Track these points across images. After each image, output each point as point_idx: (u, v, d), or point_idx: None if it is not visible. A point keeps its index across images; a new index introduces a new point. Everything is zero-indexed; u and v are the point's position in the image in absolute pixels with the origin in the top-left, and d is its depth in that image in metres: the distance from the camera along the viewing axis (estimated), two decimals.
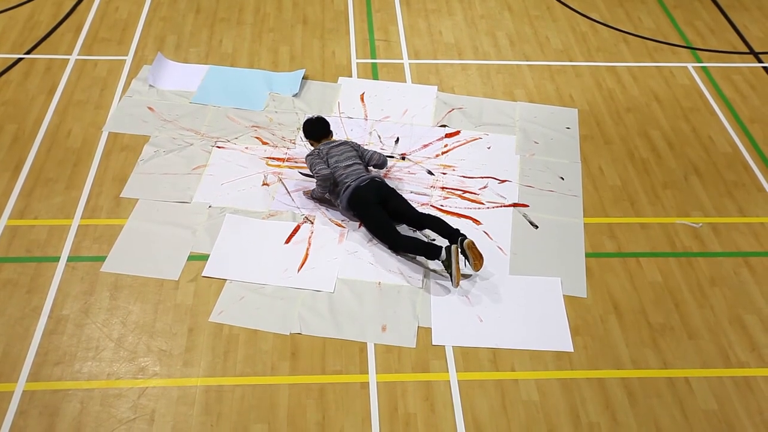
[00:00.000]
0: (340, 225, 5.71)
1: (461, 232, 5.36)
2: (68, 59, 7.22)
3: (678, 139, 6.68)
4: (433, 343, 4.95)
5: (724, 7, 8.41)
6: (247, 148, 6.34)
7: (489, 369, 4.83)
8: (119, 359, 4.81)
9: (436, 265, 5.38)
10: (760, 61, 7.63)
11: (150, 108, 6.69)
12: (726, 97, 7.16)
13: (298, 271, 5.36)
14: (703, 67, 7.52)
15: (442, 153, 6.40)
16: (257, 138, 6.44)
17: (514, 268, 5.45)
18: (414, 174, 6.18)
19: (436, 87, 7.09)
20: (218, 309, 5.10)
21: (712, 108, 7.03)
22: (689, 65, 7.54)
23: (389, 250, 5.47)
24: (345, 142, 5.87)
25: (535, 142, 6.54)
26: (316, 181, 5.68)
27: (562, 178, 6.21)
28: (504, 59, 7.51)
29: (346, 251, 5.51)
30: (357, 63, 7.36)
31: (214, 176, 6.06)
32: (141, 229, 5.59)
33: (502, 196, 6.03)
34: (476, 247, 5.22)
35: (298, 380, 4.73)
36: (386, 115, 6.75)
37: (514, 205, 5.96)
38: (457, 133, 6.61)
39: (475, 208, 5.90)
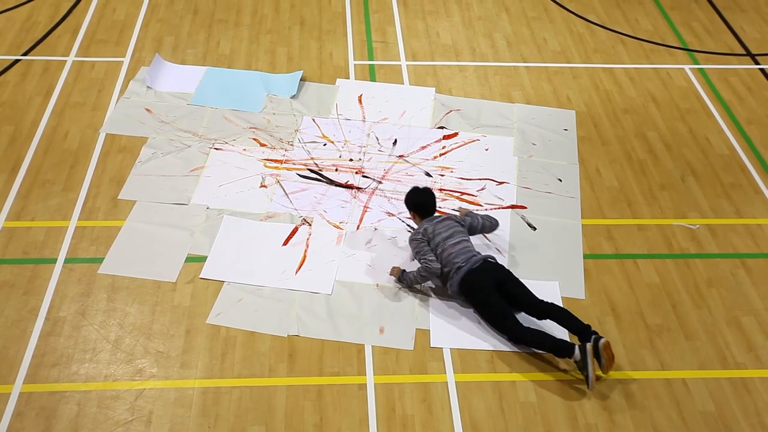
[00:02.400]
0: (338, 227, 5.71)
1: (593, 328, 4.86)
2: (65, 61, 7.21)
3: (675, 141, 6.69)
4: (431, 346, 4.95)
5: (721, 9, 8.42)
6: (245, 149, 6.33)
7: (487, 370, 4.84)
8: (116, 361, 4.80)
9: (565, 363, 4.86)
10: (757, 63, 7.65)
11: (148, 109, 6.68)
12: (723, 99, 7.17)
13: (296, 273, 5.36)
14: (700, 69, 7.53)
15: (440, 155, 6.40)
16: (255, 140, 6.44)
17: (512, 269, 5.43)
18: (412, 176, 6.18)
19: (433, 89, 7.09)
20: (216, 311, 5.10)
21: (709, 110, 7.04)
22: (686, 67, 7.55)
23: (508, 341, 4.95)
24: (449, 217, 5.29)
25: (533, 144, 6.54)
26: (419, 269, 5.13)
27: (560, 180, 6.21)
28: (501, 61, 7.52)
29: (344, 253, 5.51)
30: (354, 64, 7.36)
31: (212, 178, 6.05)
32: (138, 231, 5.59)
33: (500, 198, 6.03)
34: (611, 348, 4.72)
35: (295, 382, 4.72)
36: (384, 117, 6.75)
37: (512, 206, 5.97)
38: (455, 134, 6.61)
39: (473, 210, 5.89)
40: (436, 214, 5.40)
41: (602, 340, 4.68)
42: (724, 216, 5.99)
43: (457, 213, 5.54)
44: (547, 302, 4.96)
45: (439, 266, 5.06)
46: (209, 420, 4.52)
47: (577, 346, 4.70)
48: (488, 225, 5.39)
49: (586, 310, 5.22)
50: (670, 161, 6.48)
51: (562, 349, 4.73)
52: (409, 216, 5.75)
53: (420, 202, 5.35)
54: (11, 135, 6.39)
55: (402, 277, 5.24)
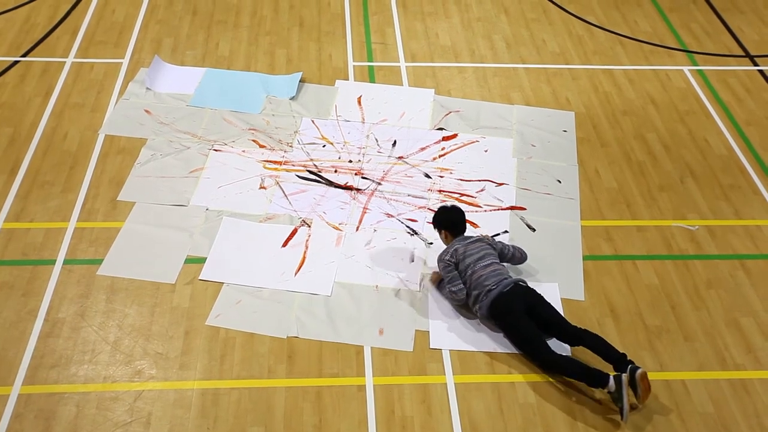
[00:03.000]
0: (337, 228, 5.71)
1: (628, 357, 4.71)
2: (65, 62, 7.21)
3: (674, 142, 6.69)
4: (431, 347, 4.95)
5: (720, 11, 8.43)
6: (244, 151, 6.33)
7: (486, 372, 4.83)
8: (115, 362, 4.80)
9: (600, 393, 4.68)
10: (755, 65, 7.65)
11: (147, 111, 6.68)
12: (722, 100, 7.17)
13: (295, 274, 5.36)
14: (699, 70, 7.54)
15: (440, 156, 6.41)
16: (254, 141, 6.44)
17: (511, 270, 5.44)
18: (411, 177, 6.18)
19: (433, 90, 7.10)
20: (215, 312, 5.10)
21: (708, 111, 7.04)
22: (685, 68, 7.56)
23: (538, 367, 4.80)
24: (481, 239, 5.19)
25: (532, 145, 6.54)
26: (448, 288, 5.07)
27: (559, 181, 6.22)
28: (500, 62, 7.52)
29: (344, 255, 5.51)
30: (354, 66, 7.36)
31: (211, 179, 6.05)
32: (138, 232, 5.59)
33: (499, 199, 6.03)
34: (648, 379, 4.54)
35: (294, 383, 4.72)
36: (383, 118, 6.75)
37: (512, 208, 5.97)
38: (455, 136, 6.61)
39: (472, 212, 5.90)
40: (467, 234, 5.29)
41: (639, 371, 4.51)
42: (723, 217, 6.00)
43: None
44: (580, 328, 4.82)
45: (465, 297, 4.99)
46: (208, 421, 4.52)
47: (611, 377, 4.50)
48: (518, 256, 5.29)
49: (585, 311, 5.22)
50: (669, 162, 6.48)
51: (595, 378, 4.55)
52: (409, 218, 5.76)
53: (451, 220, 5.23)
54: (10, 136, 6.39)
55: (440, 286, 5.24)
